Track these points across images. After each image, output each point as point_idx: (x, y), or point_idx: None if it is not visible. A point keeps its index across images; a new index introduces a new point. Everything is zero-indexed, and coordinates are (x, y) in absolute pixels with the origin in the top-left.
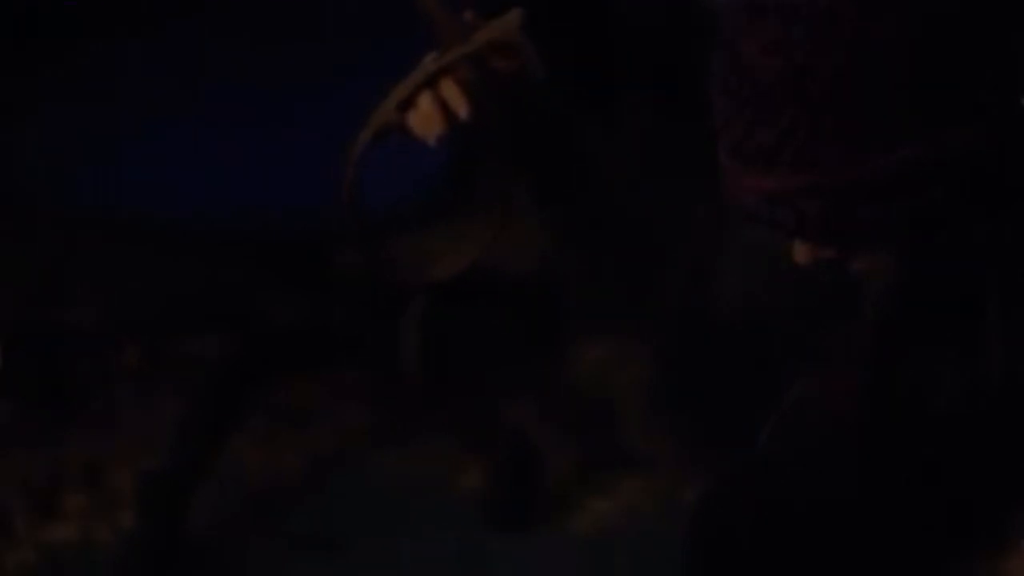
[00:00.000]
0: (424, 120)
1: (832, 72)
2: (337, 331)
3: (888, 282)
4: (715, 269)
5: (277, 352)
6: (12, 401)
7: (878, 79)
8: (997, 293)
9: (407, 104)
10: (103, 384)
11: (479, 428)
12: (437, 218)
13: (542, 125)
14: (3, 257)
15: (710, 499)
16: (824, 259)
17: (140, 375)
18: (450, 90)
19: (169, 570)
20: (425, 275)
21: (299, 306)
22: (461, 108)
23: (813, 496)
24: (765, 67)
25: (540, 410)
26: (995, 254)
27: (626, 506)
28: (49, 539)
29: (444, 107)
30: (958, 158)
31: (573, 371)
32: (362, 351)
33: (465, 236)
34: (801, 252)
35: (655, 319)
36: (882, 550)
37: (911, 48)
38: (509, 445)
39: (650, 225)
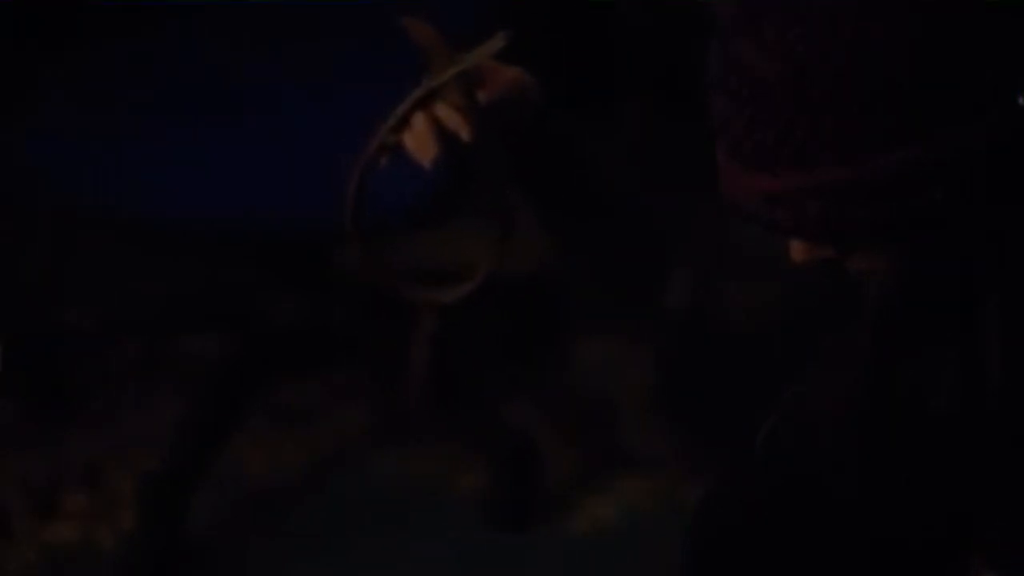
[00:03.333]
0: (419, 140)
1: (831, 73)
2: (337, 331)
3: (887, 282)
4: (715, 270)
5: (277, 352)
6: (12, 401)
7: (877, 80)
8: (996, 293)
9: (403, 125)
10: (103, 384)
11: (479, 428)
12: (437, 225)
13: (541, 136)
14: (3, 257)
15: (710, 499)
16: (823, 258)
17: (140, 375)
18: (444, 111)
19: (169, 570)
20: (435, 296)
21: (299, 306)
22: (459, 128)
23: (812, 496)
24: (764, 67)
25: (540, 410)
26: (994, 254)
27: (626, 506)
28: (49, 539)
29: (438, 127)
30: (957, 158)
31: (573, 371)
32: (362, 351)
33: (471, 251)
34: (798, 251)
35: (655, 320)
36: (882, 550)
37: (910, 49)
38: (509, 445)
39: (650, 227)
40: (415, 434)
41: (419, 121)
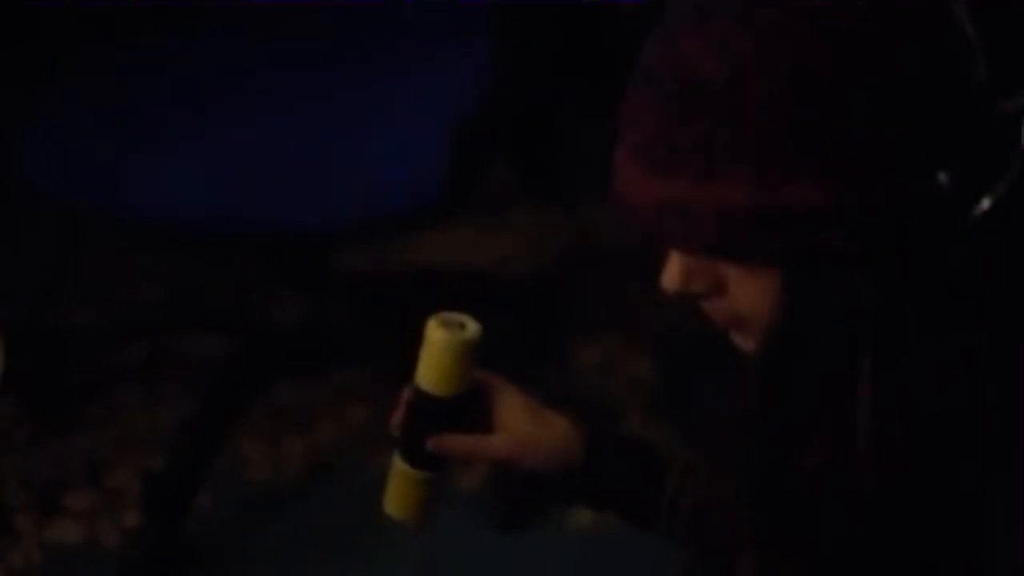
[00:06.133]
0: None
1: (768, 88)
2: (337, 331)
3: (774, 323)
4: None
5: (278, 352)
6: (15, 400)
7: (811, 110)
8: (874, 352)
9: None
10: (105, 383)
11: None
12: (440, 223)
13: (544, 130)
14: (4, 257)
15: (700, 500)
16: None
17: (142, 374)
18: None
19: (171, 569)
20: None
21: (300, 306)
22: None
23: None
24: (702, 66)
25: None
26: (878, 313)
27: None
28: (52, 538)
29: None
30: (859, 214)
31: (573, 371)
32: (362, 351)
33: (472, 243)
34: (671, 272)
35: (655, 319)
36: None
37: (852, 89)
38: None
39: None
40: None
41: None
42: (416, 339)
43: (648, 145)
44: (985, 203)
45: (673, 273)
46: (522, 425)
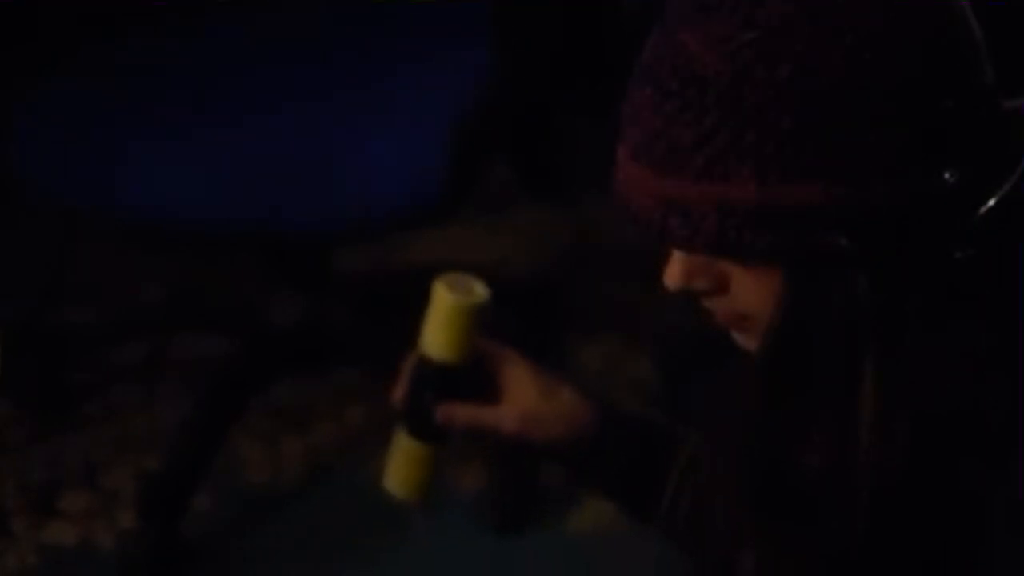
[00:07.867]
0: None
1: (770, 86)
2: (337, 331)
3: (775, 320)
4: None
5: (278, 352)
6: (12, 401)
7: (810, 110)
8: (877, 350)
9: None
10: (104, 383)
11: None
12: (440, 223)
13: (544, 130)
14: (3, 257)
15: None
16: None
17: (140, 375)
18: None
19: (169, 570)
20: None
21: (299, 306)
22: None
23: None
24: (705, 62)
25: None
26: (881, 313)
27: None
28: (48, 539)
29: None
30: (861, 214)
31: (573, 371)
32: (362, 351)
33: (472, 243)
34: (672, 271)
35: (655, 319)
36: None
37: (850, 90)
38: (509, 445)
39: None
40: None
41: None
42: (415, 341)
43: (649, 144)
44: (989, 203)
45: (675, 272)
46: (530, 397)
